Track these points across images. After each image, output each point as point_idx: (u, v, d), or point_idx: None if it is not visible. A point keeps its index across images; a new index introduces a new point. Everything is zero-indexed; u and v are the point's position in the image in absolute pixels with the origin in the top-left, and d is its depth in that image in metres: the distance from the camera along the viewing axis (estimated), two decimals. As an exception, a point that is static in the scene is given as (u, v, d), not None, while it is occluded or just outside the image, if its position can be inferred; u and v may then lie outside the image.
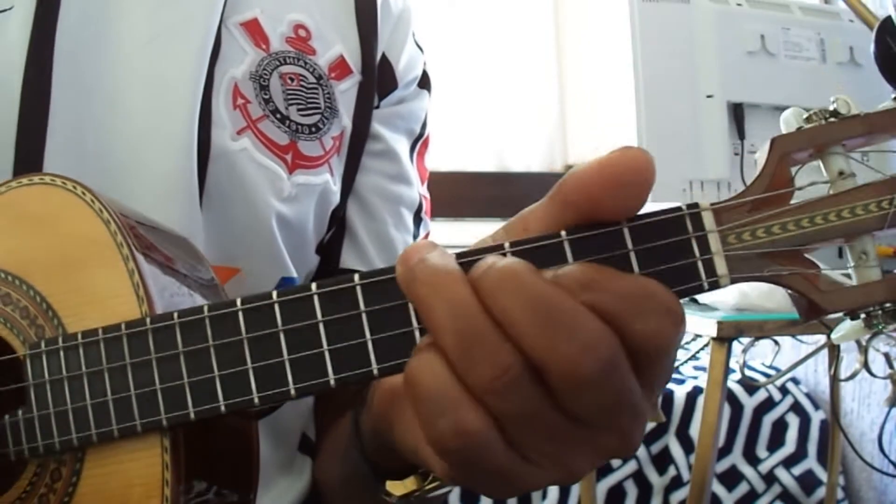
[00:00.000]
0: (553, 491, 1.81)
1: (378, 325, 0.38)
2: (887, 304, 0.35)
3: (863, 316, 0.36)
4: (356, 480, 0.57)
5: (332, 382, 0.38)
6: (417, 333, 0.37)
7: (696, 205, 0.36)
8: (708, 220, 0.36)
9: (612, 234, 0.36)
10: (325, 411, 0.70)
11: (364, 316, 0.38)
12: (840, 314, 0.36)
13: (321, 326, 0.38)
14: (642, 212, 0.36)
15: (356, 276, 0.38)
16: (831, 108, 0.36)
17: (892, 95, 0.36)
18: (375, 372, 0.37)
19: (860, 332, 0.37)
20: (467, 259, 0.36)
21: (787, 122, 0.36)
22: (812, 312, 0.36)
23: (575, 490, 1.80)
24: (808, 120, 0.36)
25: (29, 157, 0.56)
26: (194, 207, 0.59)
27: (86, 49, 0.59)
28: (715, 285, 0.35)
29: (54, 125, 0.57)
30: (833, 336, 0.38)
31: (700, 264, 0.35)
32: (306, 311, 0.39)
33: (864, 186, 0.35)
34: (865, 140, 0.36)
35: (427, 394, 0.34)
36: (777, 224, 0.35)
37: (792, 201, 0.36)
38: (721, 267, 0.35)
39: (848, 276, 0.37)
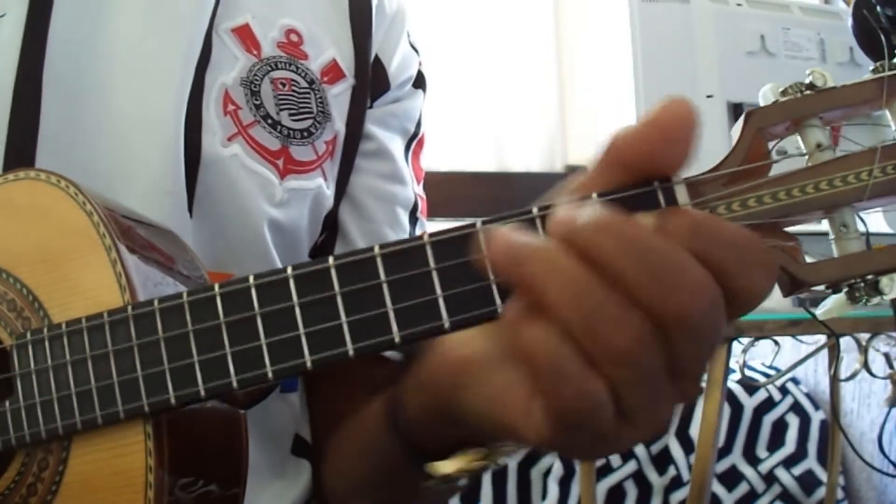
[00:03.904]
0: (553, 491, 1.80)
1: (354, 306, 0.38)
2: (869, 276, 0.35)
3: (845, 289, 0.36)
4: (385, 469, 0.56)
5: (308, 364, 0.38)
6: (392, 314, 0.37)
7: (668, 178, 0.35)
8: (681, 193, 0.35)
9: None
10: (324, 414, 0.69)
11: (339, 298, 0.38)
12: (822, 287, 0.36)
13: (297, 309, 0.38)
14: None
15: (331, 259, 0.38)
16: (807, 81, 0.35)
17: (871, 68, 0.35)
18: (351, 353, 0.37)
19: (844, 307, 0.36)
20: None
21: (765, 97, 0.36)
22: (793, 286, 0.35)
23: (575, 490, 1.80)
24: (784, 93, 0.36)
25: (20, 162, 0.57)
26: (183, 213, 0.59)
27: (76, 54, 0.59)
28: None
29: (45, 130, 0.57)
30: (818, 312, 0.38)
31: None
32: (283, 294, 0.39)
33: (842, 158, 0.35)
34: (843, 112, 0.36)
35: (549, 366, 0.34)
36: (753, 197, 0.35)
37: (770, 175, 0.36)
38: None
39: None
